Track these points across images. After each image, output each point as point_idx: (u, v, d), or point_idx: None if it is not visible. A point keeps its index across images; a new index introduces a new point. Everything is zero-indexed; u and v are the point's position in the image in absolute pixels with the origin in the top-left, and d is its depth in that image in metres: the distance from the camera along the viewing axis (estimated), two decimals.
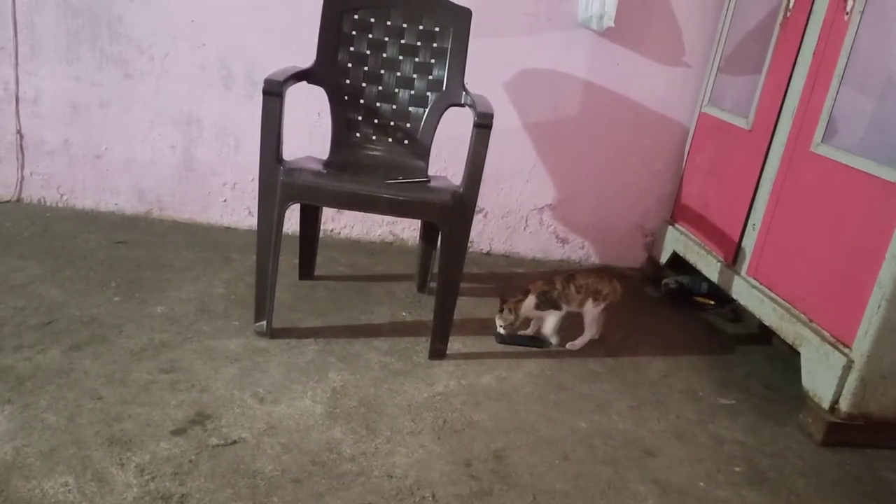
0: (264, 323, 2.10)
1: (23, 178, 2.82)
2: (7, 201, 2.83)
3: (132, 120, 2.80)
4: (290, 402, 1.81)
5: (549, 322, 2.29)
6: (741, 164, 2.56)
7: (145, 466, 1.50)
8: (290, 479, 1.53)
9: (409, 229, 3.06)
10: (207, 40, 2.74)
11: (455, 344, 2.21)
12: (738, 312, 2.82)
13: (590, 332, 2.33)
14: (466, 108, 2.29)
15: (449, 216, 2.02)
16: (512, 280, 2.89)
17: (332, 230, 3.02)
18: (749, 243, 2.45)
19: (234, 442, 1.62)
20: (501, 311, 2.24)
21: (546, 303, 2.25)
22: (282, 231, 2.03)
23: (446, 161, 2.88)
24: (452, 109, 2.39)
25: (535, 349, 2.29)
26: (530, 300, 2.25)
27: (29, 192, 2.85)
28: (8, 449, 1.49)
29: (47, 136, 2.79)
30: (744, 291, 2.42)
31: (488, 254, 3.14)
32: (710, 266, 2.66)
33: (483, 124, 1.97)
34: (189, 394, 1.78)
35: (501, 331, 2.27)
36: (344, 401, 1.85)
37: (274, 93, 1.93)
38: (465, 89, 2.35)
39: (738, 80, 2.77)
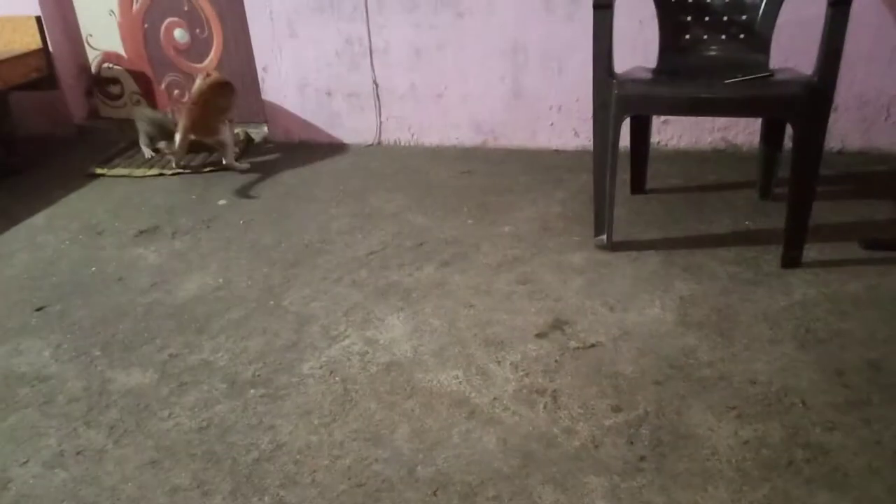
0: (605, 237, 2.17)
1: (381, 122, 3.25)
2: (370, 144, 3.29)
3: (465, 57, 3.03)
4: (640, 310, 1.87)
5: None
6: None
7: (518, 364, 1.68)
8: (651, 380, 1.59)
9: (743, 134, 2.86)
10: None
11: (810, 251, 2.04)
12: None
13: None
14: None
15: (802, 111, 1.85)
16: (873, 180, 2.55)
17: (658, 142, 2.96)
18: None
19: (592, 345, 1.73)
20: None
21: None
22: (618, 145, 2.06)
23: (787, 52, 2.60)
24: None
25: None
26: None
27: (386, 135, 3.27)
28: (407, 348, 1.79)
29: (397, 82, 3.15)
30: None
31: (840, 152, 2.80)
32: None
33: (840, 1, 1.75)
34: (545, 302, 1.93)
35: None
36: (694, 309, 1.85)
37: (605, 5, 1.93)
38: None
39: None
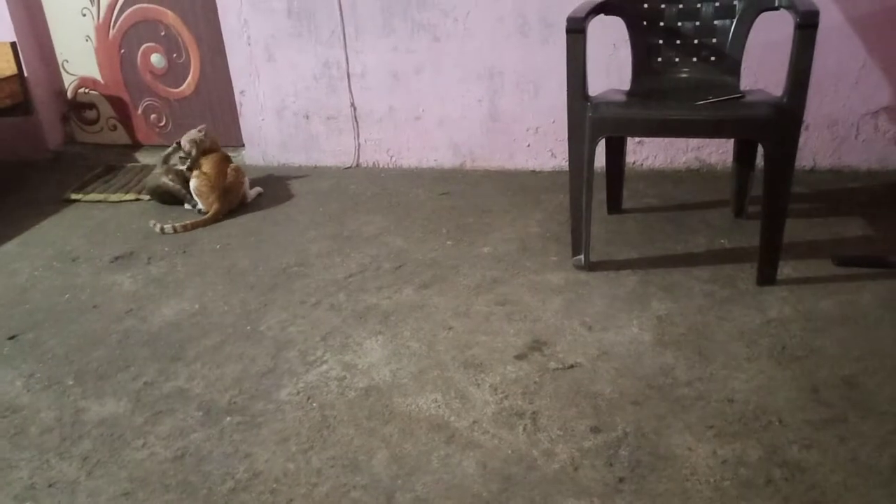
0: (582, 257, 2.18)
1: (359, 145, 3.25)
2: (349, 167, 3.29)
3: (443, 80, 3.05)
4: (618, 329, 1.87)
5: None
6: None
7: (498, 386, 1.68)
8: (630, 401, 1.59)
9: (716, 153, 2.90)
10: None
11: (784, 269, 2.07)
12: None
13: None
14: (780, 10, 2.08)
15: (772, 131, 1.88)
16: (845, 197, 2.60)
17: (633, 162, 2.99)
18: None
19: (572, 366, 1.73)
20: None
21: None
22: (593, 166, 2.07)
23: (757, 73, 2.66)
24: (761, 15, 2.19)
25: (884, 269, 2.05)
26: None
27: (365, 157, 3.27)
28: (386, 372, 1.78)
29: (375, 105, 3.16)
30: None
31: (812, 170, 2.85)
32: None
33: (808, 24, 1.78)
34: (524, 323, 1.93)
35: None
36: (671, 328, 1.86)
37: (577, 30, 1.95)
38: None
39: None
